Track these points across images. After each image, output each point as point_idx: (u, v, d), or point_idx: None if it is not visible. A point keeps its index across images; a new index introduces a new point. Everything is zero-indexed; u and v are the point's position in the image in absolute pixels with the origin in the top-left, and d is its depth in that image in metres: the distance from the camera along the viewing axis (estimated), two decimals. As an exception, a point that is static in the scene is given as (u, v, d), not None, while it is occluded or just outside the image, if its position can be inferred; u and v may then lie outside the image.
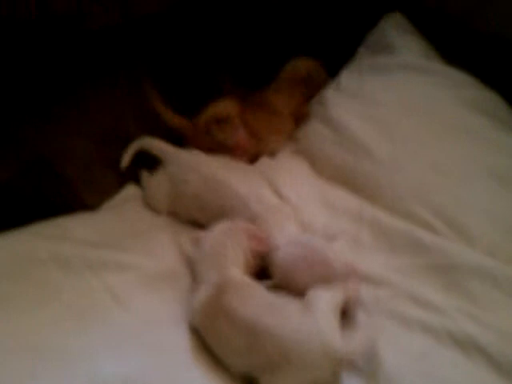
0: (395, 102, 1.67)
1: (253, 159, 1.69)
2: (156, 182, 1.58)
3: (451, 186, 1.49)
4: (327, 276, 1.27)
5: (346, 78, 1.81)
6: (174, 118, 1.68)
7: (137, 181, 1.61)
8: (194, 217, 1.53)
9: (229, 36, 1.88)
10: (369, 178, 1.56)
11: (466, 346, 1.20)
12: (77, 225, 1.44)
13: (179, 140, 1.68)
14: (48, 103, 1.59)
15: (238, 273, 1.27)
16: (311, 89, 1.83)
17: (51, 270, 1.32)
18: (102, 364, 1.14)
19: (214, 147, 1.63)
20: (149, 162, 1.60)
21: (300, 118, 1.80)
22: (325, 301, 1.19)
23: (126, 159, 1.58)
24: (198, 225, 1.51)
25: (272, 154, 1.73)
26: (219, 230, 1.36)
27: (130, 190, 1.59)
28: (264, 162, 1.70)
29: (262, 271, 1.36)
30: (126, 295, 1.30)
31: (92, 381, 1.10)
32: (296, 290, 1.27)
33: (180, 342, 1.22)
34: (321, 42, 1.88)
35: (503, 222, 1.41)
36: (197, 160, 1.58)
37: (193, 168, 1.55)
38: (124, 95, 1.67)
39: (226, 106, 1.70)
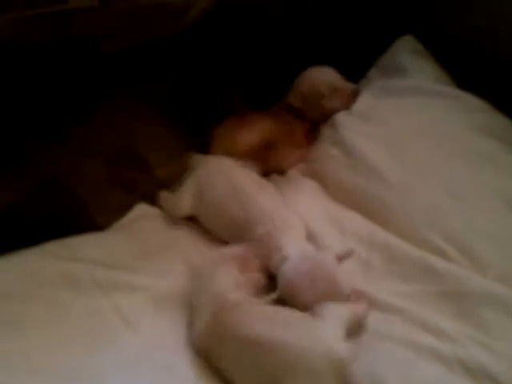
0: (407, 126, 1.67)
1: (265, 174, 1.68)
2: (183, 188, 1.58)
3: (463, 210, 1.48)
4: (331, 294, 1.26)
5: (358, 100, 1.80)
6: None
7: (146, 200, 1.61)
8: (213, 225, 1.54)
9: (238, 56, 1.89)
10: (380, 201, 1.56)
11: (478, 374, 1.19)
12: (87, 245, 1.44)
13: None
14: (59, 123, 1.61)
15: (232, 295, 1.26)
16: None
17: (61, 290, 1.32)
18: None
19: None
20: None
21: (312, 138, 1.79)
22: (334, 313, 1.20)
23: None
24: (213, 239, 1.52)
25: (282, 171, 1.73)
26: (209, 262, 1.36)
27: (140, 210, 1.59)
28: (275, 179, 1.70)
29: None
30: (135, 316, 1.30)
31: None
32: (298, 305, 1.25)
33: (189, 363, 1.22)
34: (333, 64, 1.87)
35: (514, 247, 1.40)
36: (227, 165, 1.60)
37: (222, 172, 1.57)
38: (133, 116, 1.68)
39: (264, 131, 1.71)
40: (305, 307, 1.24)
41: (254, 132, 1.71)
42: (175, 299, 1.36)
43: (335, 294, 1.27)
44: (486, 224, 1.45)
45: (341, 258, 1.34)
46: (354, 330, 1.25)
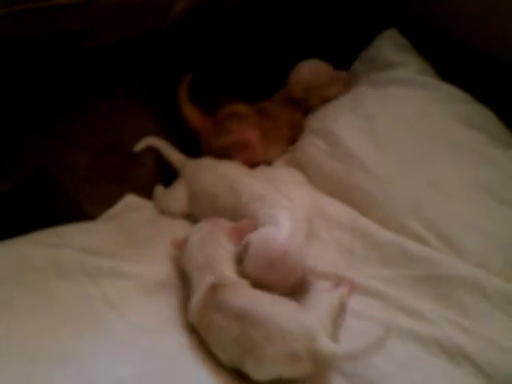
0: (391, 117, 1.71)
1: (252, 166, 1.72)
2: (174, 188, 1.64)
3: (444, 200, 1.52)
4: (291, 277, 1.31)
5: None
6: (193, 112, 1.74)
7: (135, 192, 1.64)
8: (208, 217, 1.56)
9: (225, 51, 1.92)
10: (362, 191, 1.59)
11: (454, 354, 1.22)
12: (76, 234, 1.47)
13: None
14: (49, 116, 1.63)
15: (229, 272, 1.31)
16: (313, 96, 1.85)
17: (50, 277, 1.34)
18: (98, 368, 1.16)
19: (226, 148, 1.68)
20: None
21: (297, 130, 1.83)
22: (321, 304, 1.24)
23: (140, 146, 1.68)
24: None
25: (269, 162, 1.77)
26: (200, 232, 1.40)
27: (129, 201, 1.62)
28: (262, 169, 1.73)
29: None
30: (122, 303, 1.33)
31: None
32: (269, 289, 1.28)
33: (174, 347, 1.24)
34: (317, 57, 1.91)
35: (494, 235, 1.44)
36: (212, 162, 1.65)
37: (208, 168, 1.63)
38: (124, 110, 1.71)
39: (245, 107, 1.75)
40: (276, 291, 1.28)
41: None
42: (161, 287, 1.39)
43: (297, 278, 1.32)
44: (466, 213, 1.49)
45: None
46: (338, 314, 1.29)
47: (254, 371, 1.16)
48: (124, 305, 1.32)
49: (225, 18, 1.85)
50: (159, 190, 1.67)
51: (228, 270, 1.31)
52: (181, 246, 1.41)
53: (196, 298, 1.27)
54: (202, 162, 1.67)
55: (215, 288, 1.26)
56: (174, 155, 1.72)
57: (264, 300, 1.24)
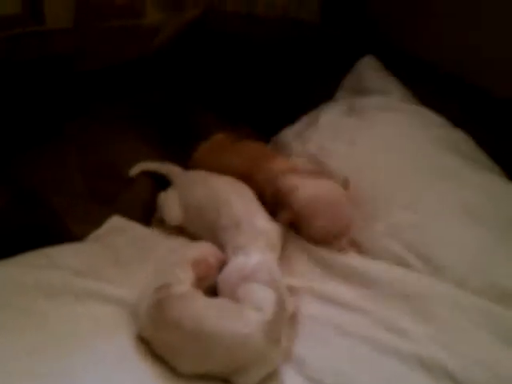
0: (371, 142, 1.74)
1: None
2: (169, 196, 1.66)
3: (424, 222, 1.54)
4: None
5: (324, 118, 1.87)
6: None
7: (123, 213, 1.65)
8: (199, 233, 1.59)
9: (213, 74, 1.96)
10: None
11: (435, 371, 1.25)
12: (63, 254, 1.47)
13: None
14: (39, 136, 1.65)
15: (179, 287, 1.32)
16: None
17: (38, 298, 1.34)
18: None
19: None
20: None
21: None
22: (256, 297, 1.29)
23: (135, 171, 1.70)
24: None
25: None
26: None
27: (116, 222, 1.63)
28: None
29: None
30: (110, 324, 1.33)
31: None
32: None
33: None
34: (297, 84, 1.96)
35: (474, 255, 1.47)
36: (203, 175, 1.67)
37: (199, 181, 1.64)
38: (113, 131, 1.74)
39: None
40: None
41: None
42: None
43: None
44: (444, 233, 1.52)
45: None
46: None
47: (237, 380, 1.22)
48: (111, 327, 1.33)
49: (212, 45, 1.88)
50: (162, 196, 1.68)
51: (177, 286, 1.32)
52: None
53: (142, 309, 1.29)
54: (195, 174, 1.70)
55: (161, 303, 1.27)
56: (169, 170, 1.74)
57: (211, 313, 1.26)
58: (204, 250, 1.46)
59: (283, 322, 1.27)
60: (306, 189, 1.54)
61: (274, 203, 1.57)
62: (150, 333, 1.28)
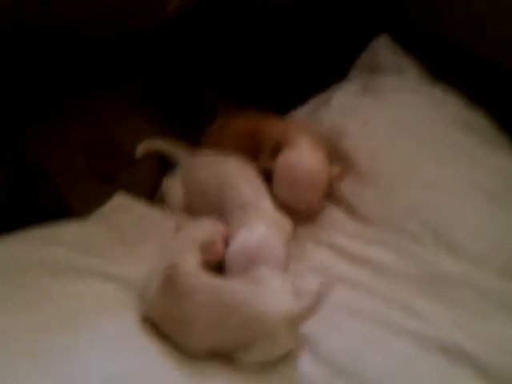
0: (387, 122, 1.69)
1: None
2: (172, 182, 1.63)
3: (441, 202, 1.50)
4: None
5: (338, 97, 1.82)
6: None
7: (126, 191, 1.61)
8: (202, 213, 1.54)
9: (222, 51, 1.91)
10: (359, 196, 1.57)
11: (453, 353, 1.20)
12: (66, 232, 1.45)
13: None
14: (41, 113, 1.62)
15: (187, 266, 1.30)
16: None
17: (41, 275, 1.33)
18: (89, 365, 1.15)
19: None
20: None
21: None
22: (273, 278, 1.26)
23: (140, 152, 1.66)
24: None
25: None
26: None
27: (120, 200, 1.59)
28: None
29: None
30: (111, 303, 1.31)
31: (78, 382, 1.12)
32: None
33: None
34: (312, 63, 1.91)
35: (491, 235, 1.42)
36: (209, 157, 1.63)
37: (204, 164, 1.60)
38: (117, 107, 1.69)
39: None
40: None
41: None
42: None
43: None
44: (463, 214, 1.47)
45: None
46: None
47: (240, 357, 1.18)
48: (114, 305, 1.31)
49: (223, 15, 1.84)
50: (164, 183, 1.65)
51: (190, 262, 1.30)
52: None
53: (154, 288, 1.27)
54: (201, 157, 1.66)
55: (173, 278, 1.25)
56: (174, 149, 1.70)
57: (229, 287, 1.25)
58: (211, 230, 1.41)
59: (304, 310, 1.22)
60: (294, 152, 1.50)
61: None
62: (161, 308, 1.25)
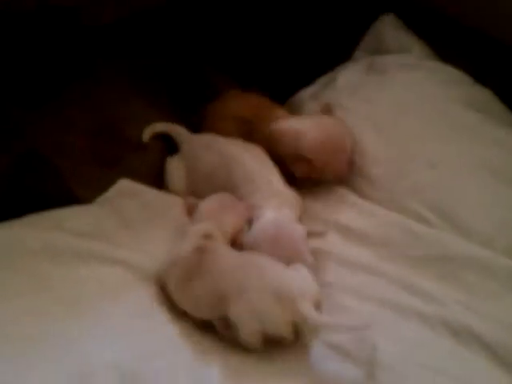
0: (391, 101, 1.67)
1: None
2: (174, 164, 1.62)
3: (447, 180, 1.49)
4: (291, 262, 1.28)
5: (343, 77, 1.80)
6: None
7: (129, 176, 1.59)
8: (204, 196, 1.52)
9: (225, 33, 1.89)
10: (364, 176, 1.56)
11: (463, 335, 1.20)
12: (68, 217, 1.43)
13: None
14: (42, 98, 1.59)
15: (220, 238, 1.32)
16: None
17: (43, 261, 1.31)
18: (91, 350, 1.14)
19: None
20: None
21: None
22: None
23: (147, 135, 1.64)
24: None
25: None
26: (214, 199, 1.41)
27: (123, 186, 1.56)
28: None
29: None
30: (115, 287, 1.30)
31: (81, 367, 1.11)
32: None
33: (170, 331, 1.22)
34: (315, 43, 1.89)
35: (498, 213, 1.41)
36: (211, 138, 1.62)
37: (206, 146, 1.60)
38: (119, 92, 1.67)
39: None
40: None
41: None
42: (155, 273, 1.35)
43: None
44: (469, 192, 1.46)
45: (311, 235, 1.36)
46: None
47: (239, 319, 1.16)
48: (117, 289, 1.30)
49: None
50: (170, 161, 1.64)
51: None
52: (191, 211, 1.41)
53: (180, 253, 1.29)
54: (201, 139, 1.64)
55: (201, 250, 1.26)
56: (177, 132, 1.68)
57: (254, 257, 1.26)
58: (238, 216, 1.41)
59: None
60: (311, 132, 1.52)
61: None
62: (181, 277, 1.25)
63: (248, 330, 1.15)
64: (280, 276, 1.20)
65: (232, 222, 1.37)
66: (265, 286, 1.17)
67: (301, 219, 1.45)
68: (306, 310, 1.13)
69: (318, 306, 1.18)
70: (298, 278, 1.20)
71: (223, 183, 1.50)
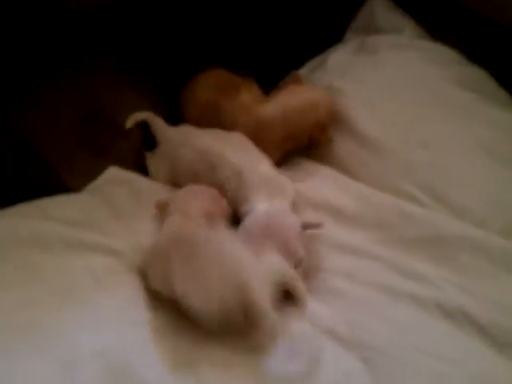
0: (383, 81, 1.66)
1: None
2: (154, 162, 1.60)
3: (439, 161, 1.47)
4: (282, 254, 1.26)
5: (333, 59, 1.79)
6: None
7: (118, 164, 1.57)
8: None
9: (214, 16, 1.87)
10: (355, 157, 1.55)
11: (456, 316, 1.19)
12: (58, 206, 1.41)
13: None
14: (28, 86, 1.57)
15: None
16: None
17: (32, 250, 1.29)
18: (82, 339, 1.13)
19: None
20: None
21: None
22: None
23: (131, 122, 1.60)
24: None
25: None
26: (183, 190, 1.43)
27: (112, 173, 1.55)
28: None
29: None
30: (107, 276, 1.28)
31: (70, 356, 1.10)
32: None
33: (163, 320, 1.21)
34: (306, 26, 1.87)
35: (492, 193, 1.40)
36: (187, 135, 1.58)
37: (183, 143, 1.56)
38: (105, 79, 1.65)
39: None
40: None
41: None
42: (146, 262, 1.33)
43: (286, 256, 1.26)
44: (462, 172, 1.45)
45: (306, 227, 1.35)
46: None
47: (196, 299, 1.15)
48: (109, 279, 1.28)
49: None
50: (148, 156, 1.62)
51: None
52: (163, 207, 1.40)
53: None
54: (177, 135, 1.60)
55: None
56: (159, 126, 1.64)
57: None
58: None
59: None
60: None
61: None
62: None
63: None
64: (240, 260, 1.19)
65: (199, 206, 1.36)
66: (222, 267, 1.17)
67: (294, 204, 1.43)
68: (255, 296, 1.13)
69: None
70: (264, 265, 1.19)
71: (209, 179, 1.48)
